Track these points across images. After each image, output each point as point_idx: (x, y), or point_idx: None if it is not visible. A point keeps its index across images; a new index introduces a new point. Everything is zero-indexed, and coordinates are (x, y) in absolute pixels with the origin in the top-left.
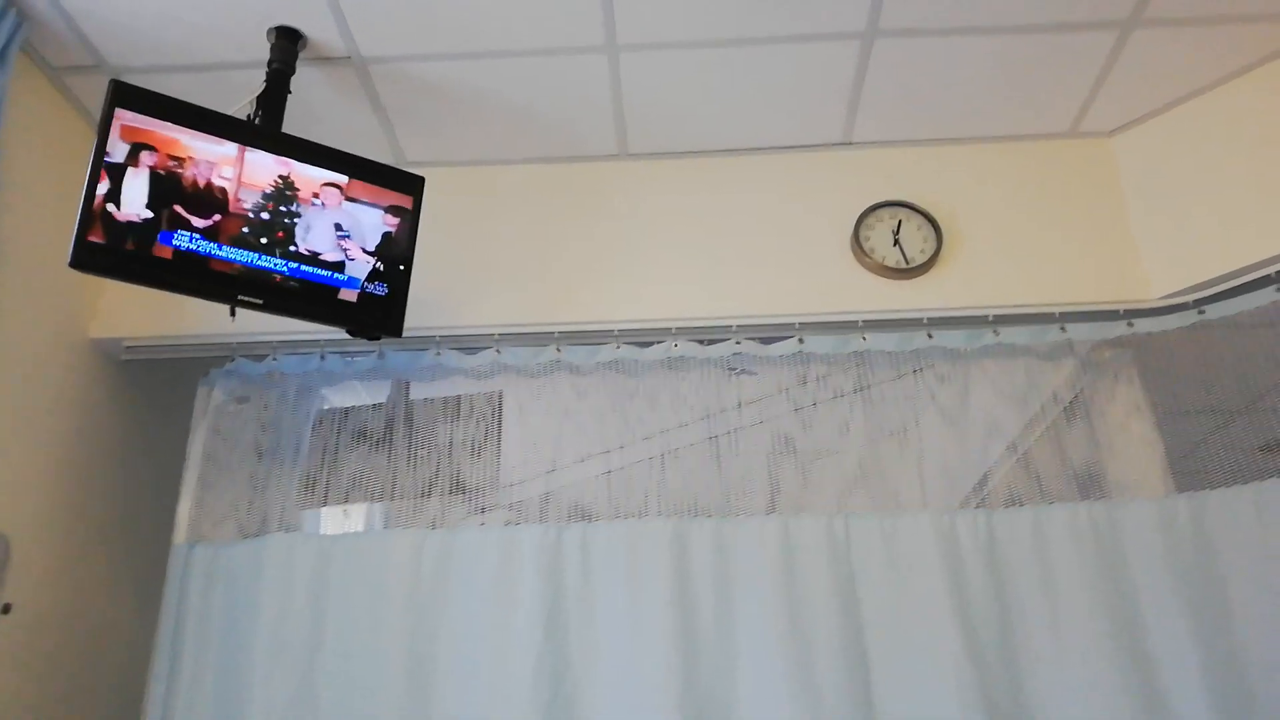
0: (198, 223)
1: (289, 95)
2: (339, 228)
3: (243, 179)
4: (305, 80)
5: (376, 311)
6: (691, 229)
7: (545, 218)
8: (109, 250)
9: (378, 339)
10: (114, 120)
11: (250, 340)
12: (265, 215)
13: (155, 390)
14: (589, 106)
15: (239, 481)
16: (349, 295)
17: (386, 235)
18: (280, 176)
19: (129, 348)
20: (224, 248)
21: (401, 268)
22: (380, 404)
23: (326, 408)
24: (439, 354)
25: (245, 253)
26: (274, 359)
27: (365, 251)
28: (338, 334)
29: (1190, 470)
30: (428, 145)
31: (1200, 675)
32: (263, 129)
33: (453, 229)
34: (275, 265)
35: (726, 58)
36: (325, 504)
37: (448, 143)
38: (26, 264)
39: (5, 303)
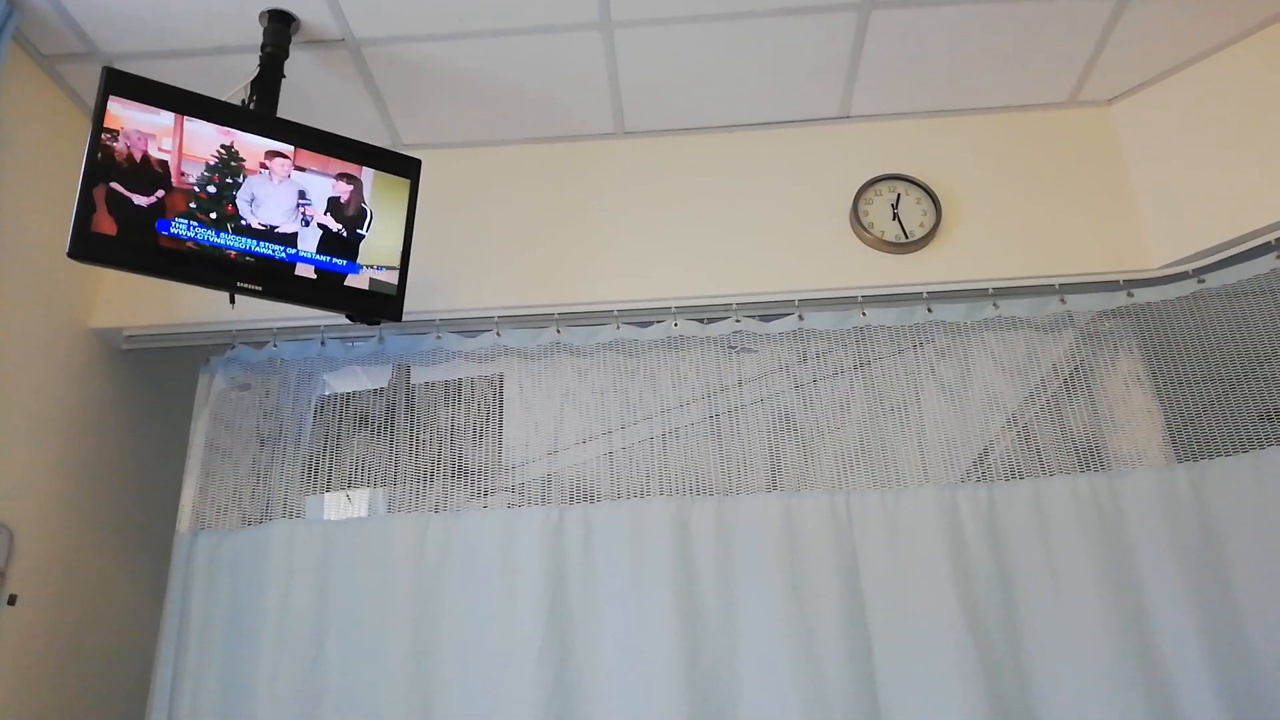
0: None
1: (283, 79)
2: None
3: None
4: (299, 64)
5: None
6: (690, 207)
7: (543, 198)
8: (107, 239)
9: (378, 323)
10: (108, 108)
11: (250, 327)
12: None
13: (157, 379)
14: (585, 84)
15: (242, 469)
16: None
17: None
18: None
19: (129, 337)
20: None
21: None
22: (381, 389)
23: (328, 393)
24: (439, 337)
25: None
26: (274, 345)
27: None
28: (337, 319)
29: (1191, 440)
30: (423, 127)
31: (1200, 643)
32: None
33: (451, 211)
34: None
35: (722, 32)
36: (328, 490)
37: (444, 124)
38: (25, 255)
39: (4, 294)
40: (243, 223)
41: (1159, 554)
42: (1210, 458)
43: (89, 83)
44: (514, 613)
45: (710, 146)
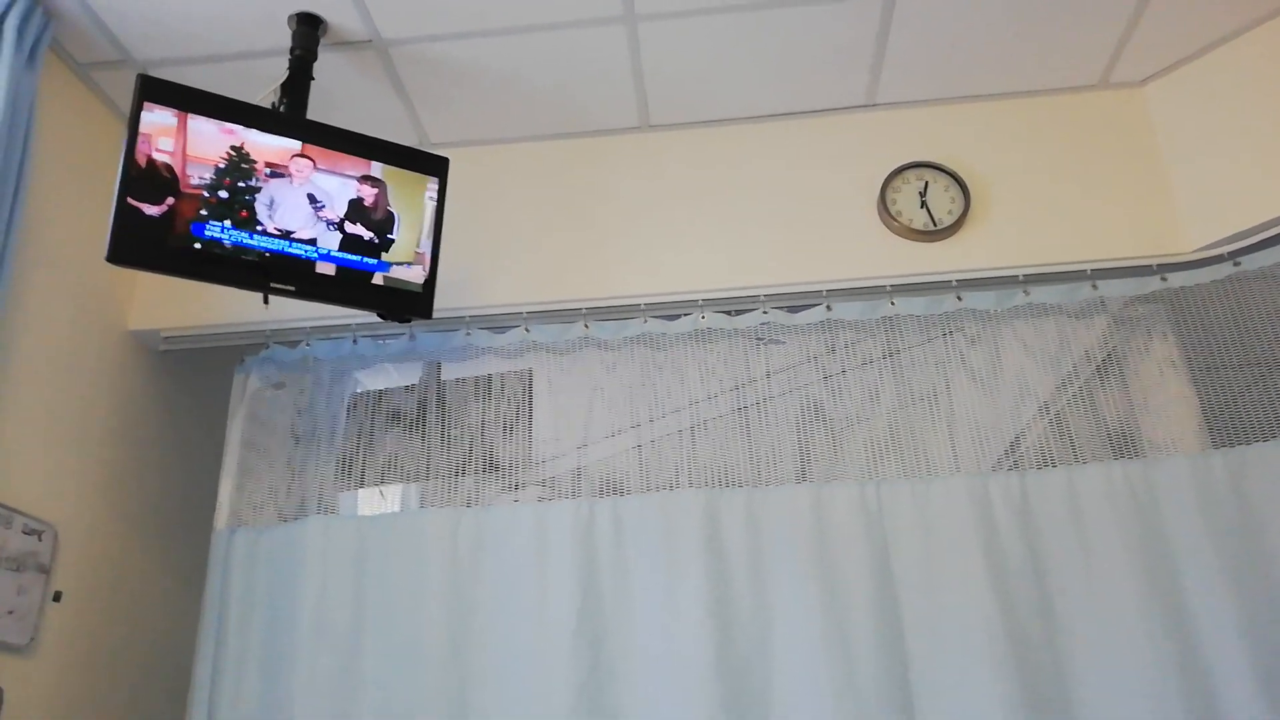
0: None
1: (312, 82)
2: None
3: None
4: (327, 66)
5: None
6: (716, 199)
7: (569, 193)
8: (141, 243)
9: (408, 321)
10: (143, 114)
11: (283, 327)
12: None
13: (193, 379)
14: (609, 79)
15: (277, 466)
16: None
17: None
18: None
19: (166, 338)
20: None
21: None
22: (413, 385)
23: (360, 391)
24: (469, 334)
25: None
26: (307, 344)
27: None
28: (369, 318)
29: (1227, 425)
30: (451, 126)
31: (1239, 631)
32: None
33: (479, 208)
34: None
35: (746, 22)
36: (362, 486)
37: (470, 122)
38: (64, 259)
39: (45, 298)
40: (259, 227)
41: (1195, 542)
42: (1247, 444)
43: (124, 90)
44: (546, 605)
45: (735, 138)
